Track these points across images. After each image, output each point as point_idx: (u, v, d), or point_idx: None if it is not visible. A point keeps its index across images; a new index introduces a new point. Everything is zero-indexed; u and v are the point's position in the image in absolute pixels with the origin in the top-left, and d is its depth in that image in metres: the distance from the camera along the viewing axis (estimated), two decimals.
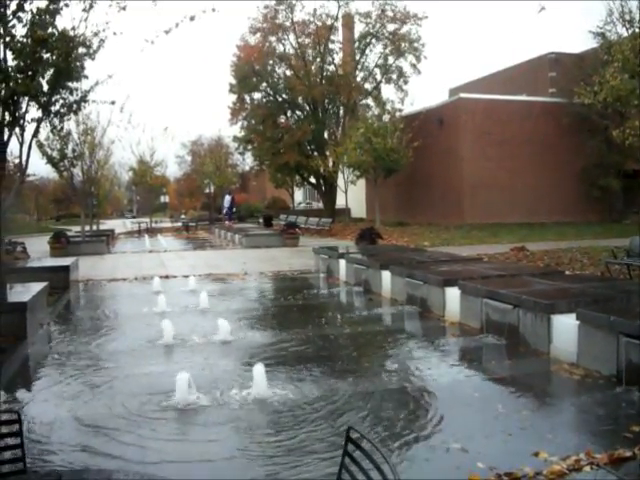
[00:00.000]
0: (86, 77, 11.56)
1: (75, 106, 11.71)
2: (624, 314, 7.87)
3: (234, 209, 50.31)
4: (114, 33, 11.46)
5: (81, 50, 11.26)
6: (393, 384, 7.55)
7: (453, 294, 11.29)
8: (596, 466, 5.03)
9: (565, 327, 8.37)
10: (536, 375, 8.05)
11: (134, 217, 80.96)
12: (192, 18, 11.55)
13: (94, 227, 39.46)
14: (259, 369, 7.09)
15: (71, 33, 11.00)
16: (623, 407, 6.56)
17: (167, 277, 18.26)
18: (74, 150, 31.28)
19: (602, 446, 5.45)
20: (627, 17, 20.76)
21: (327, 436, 5.86)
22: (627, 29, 20.88)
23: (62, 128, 12.54)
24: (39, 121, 11.15)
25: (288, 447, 5.71)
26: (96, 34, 11.25)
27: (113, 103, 13.70)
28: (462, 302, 10.96)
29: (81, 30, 11.14)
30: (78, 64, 11.28)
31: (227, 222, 45.66)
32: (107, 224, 51.04)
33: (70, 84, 11.39)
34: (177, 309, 12.98)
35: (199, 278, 17.56)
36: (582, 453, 5.21)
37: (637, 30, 20.52)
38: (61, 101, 11.41)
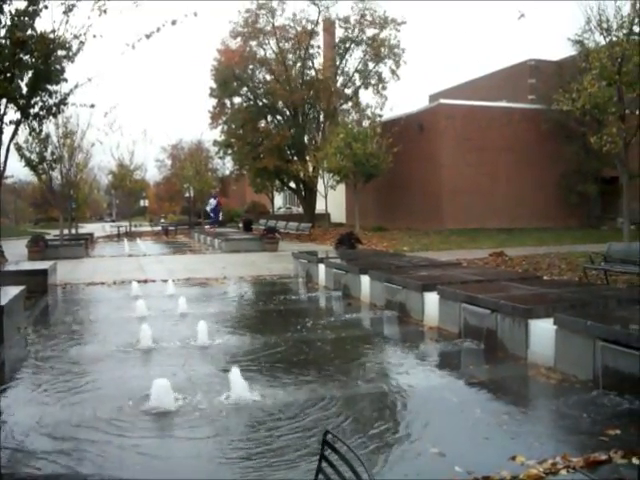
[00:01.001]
0: (65, 80, 11.53)
1: (54, 109, 11.69)
2: (601, 319, 7.95)
3: (218, 213, 50.15)
4: (94, 36, 11.43)
5: (61, 52, 11.24)
6: (371, 389, 7.56)
7: (432, 299, 11.32)
8: (572, 469, 5.06)
9: (542, 332, 8.42)
10: (514, 379, 8.09)
11: (113, 221, 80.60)
12: (174, 22, 11.53)
13: (73, 231, 39.24)
14: (236, 373, 7.07)
15: (51, 35, 10.97)
16: (599, 411, 6.60)
17: (146, 281, 18.17)
18: (53, 153, 31.08)
19: (578, 450, 5.49)
20: (604, 25, 20.87)
21: (304, 440, 5.85)
22: (604, 37, 21.02)
23: (41, 131, 12.52)
24: (18, 123, 11.11)
25: (265, 451, 5.70)
26: (76, 37, 11.23)
27: (93, 106, 13.66)
28: (441, 307, 11.00)
29: (61, 32, 11.11)
30: (58, 67, 11.24)
31: (207, 227, 45.20)
32: (86, 228, 50.85)
33: (49, 87, 11.37)
34: (156, 313, 12.91)
35: (178, 282, 17.51)
36: (559, 457, 5.23)
37: (614, 38, 20.68)
38: (40, 104, 11.39)
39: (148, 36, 11.50)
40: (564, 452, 5.34)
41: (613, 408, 6.60)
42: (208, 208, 48.03)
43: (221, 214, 51.51)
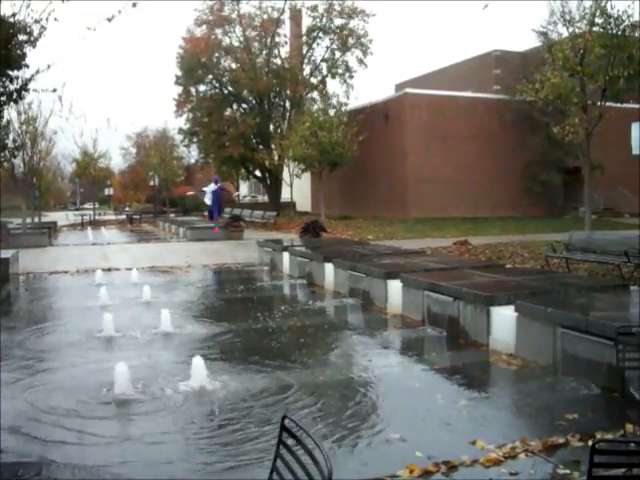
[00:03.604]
0: (27, 66, 11.35)
1: (15, 95, 11.49)
2: (561, 306, 8.07)
3: (219, 205, 32.81)
4: (55, 19, 11.26)
5: (22, 37, 11.05)
6: (333, 375, 7.58)
7: (395, 287, 11.37)
8: (531, 453, 5.13)
9: (504, 319, 8.51)
10: (475, 366, 8.16)
11: (77, 209, 79.70)
12: (134, 4, 11.40)
13: (36, 219, 38.71)
14: (198, 361, 7.05)
15: (11, 20, 10.79)
16: (558, 396, 6.71)
17: (110, 270, 18.01)
18: (15, 140, 30.53)
19: (537, 434, 5.56)
20: (567, 17, 21.05)
21: (265, 426, 5.86)
22: (567, 29, 21.21)
23: (2, 117, 12.29)
24: None
25: (226, 438, 5.71)
26: (37, 21, 11.04)
27: (54, 91, 13.47)
28: (404, 295, 11.05)
29: (22, 17, 10.93)
30: (18, 52, 11.06)
31: (212, 223, 30.91)
32: (49, 216, 50.10)
33: (10, 72, 11.16)
34: (119, 302, 12.82)
35: (142, 271, 17.37)
36: (518, 441, 5.30)
37: (577, 30, 20.87)
38: (0, 89, 11.18)
39: (109, 19, 11.38)
40: (523, 436, 5.41)
41: (571, 393, 6.70)
42: (207, 198, 31.58)
43: (222, 206, 35.55)
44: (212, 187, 30.99)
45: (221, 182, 35.69)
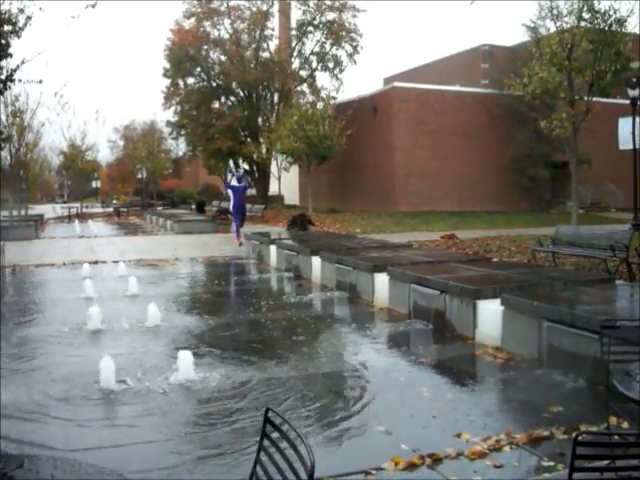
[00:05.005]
0: (10, 55, 11.25)
1: (1, 85, 11.40)
2: (547, 300, 8.10)
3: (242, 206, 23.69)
4: (40, 9, 11.18)
5: (6, 27, 10.96)
6: (320, 368, 7.58)
7: (382, 280, 11.37)
8: (515, 446, 5.15)
9: (490, 312, 8.52)
10: (461, 359, 8.17)
11: (65, 202, 79.37)
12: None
13: (23, 212, 38.54)
14: (185, 354, 7.04)
15: None
16: (543, 389, 6.73)
17: (96, 263, 17.95)
18: (1, 132, 30.39)
19: (522, 427, 5.58)
20: (555, 12, 21.12)
21: (251, 419, 5.85)
22: (555, 23, 21.28)
23: None
24: None
25: (211, 431, 5.70)
26: (22, 10, 10.96)
27: (41, 82, 13.38)
28: (391, 288, 11.06)
29: (6, 6, 10.84)
30: (3, 42, 10.98)
31: (234, 231, 23.01)
32: (36, 209, 49.90)
33: None
34: (106, 295, 12.76)
35: (129, 264, 17.31)
36: (503, 434, 5.32)
37: (564, 25, 20.94)
38: None
39: (93, 6, 11.30)
40: (508, 429, 5.43)
41: (556, 386, 6.73)
42: (228, 200, 25.06)
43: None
44: (234, 183, 23.86)
45: (242, 176, 26.29)
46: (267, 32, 43.54)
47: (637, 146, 20.27)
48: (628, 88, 19.33)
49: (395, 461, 4.84)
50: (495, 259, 14.66)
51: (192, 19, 42.31)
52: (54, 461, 3.25)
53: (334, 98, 40.60)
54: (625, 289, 10.05)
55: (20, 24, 10.86)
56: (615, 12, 20.05)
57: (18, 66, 11.44)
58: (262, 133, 41.40)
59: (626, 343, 4.90)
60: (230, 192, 23.26)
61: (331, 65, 43.91)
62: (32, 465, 3.13)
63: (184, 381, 6.85)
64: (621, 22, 20.17)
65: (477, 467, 4.82)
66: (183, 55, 41.23)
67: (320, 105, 37.83)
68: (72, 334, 9.49)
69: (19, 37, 10.99)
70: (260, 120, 43.44)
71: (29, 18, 10.91)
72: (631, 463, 2.82)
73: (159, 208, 49.95)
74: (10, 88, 11.97)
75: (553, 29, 21.56)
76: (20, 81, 11.75)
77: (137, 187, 67.26)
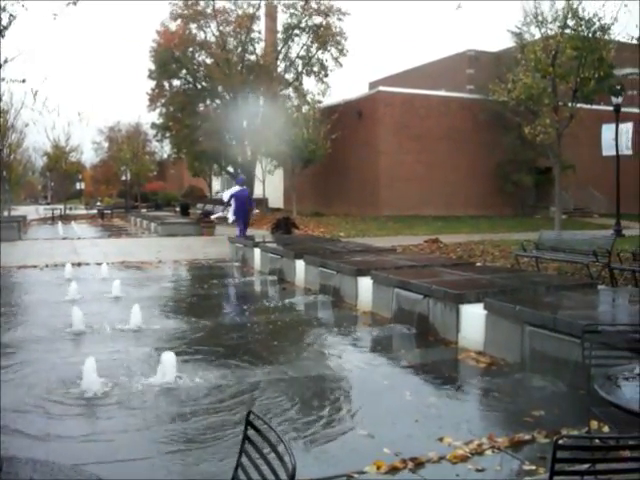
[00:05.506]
0: None
1: None
2: (529, 304, 8.14)
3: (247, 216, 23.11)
4: (23, 6, 11.11)
5: None
6: (303, 372, 7.58)
7: (365, 284, 11.39)
8: (497, 449, 5.17)
9: (473, 316, 8.55)
10: (444, 363, 8.20)
11: (48, 204, 78.91)
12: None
13: (5, 213, 38.29)
14: (168, 357, 7.01)
15: None
16: (525, 393, 6.76)
17: (79, 264, 17.86)
18: None
19: (504, 430, 5.61)
20: (540, 18, 21.25)
21: (232, 422, 5.84)
22: (540, 30, 21.41)
23: None
24: None
25: (192, 434, 5.69)
26: (4, 9, 10.89)
27: (24, 81, 13.31)
28: (374, 292, 11.07)
29: None
30: None
31: (237, 237, 21.22)
32: (19, 210, 49.58)
33: None
34: (89, 297, 12.69)
35: (112, 266, 17.23)
36: (485, 437, 5.34)
37: (549, 31, 21.07)
38: None
39: (75, 3, 11.23)
40: (490, 433, 5.45)
41: (538, 390, 6.76)
42: (228, 209, 23.07)
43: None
44: (236, 189, 22.47)
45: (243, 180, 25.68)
46: (253, 35, 43.49)
47: (620, 153, 20.45)
48: (612, 96, 19.51)
49: (377, 465, 4.85)
50: (478, 264, 14.71)
51: (178, 21, 42.13)
52: (33, 463, 3.22)
53: (319, 102, 40.62)
54: (607, 294, 10.11)
55: (4, 23, 10.81)
56: (599, 19, 20.21)
57: (0, 65, 11.37)
58: (247, 136, 41.31)
59: (607, 348, 4.94)
60: (233, 200, 22.21)
61: (316, 69, 43.89)
62: (11, 468, 3.10)
63: (165, 384, 6.82)
64: (605, 29, 20.34)
65: (459, 471, 4.84)
66: (169, 57, 41.08)
67: (305, 109, 37.83)
68: (55, 336, 9.42)
69: (3, 37, 10.93)
70: (245, 123, 43.36)
71: (13, 17, 10.86)
72: (611, 467, 2.84)
73: (143, 210, 49.76)
74: None
75: (538, 35, 21.68)
76: (3, 79, 11.68)
77: (121, 189, 66.91)
